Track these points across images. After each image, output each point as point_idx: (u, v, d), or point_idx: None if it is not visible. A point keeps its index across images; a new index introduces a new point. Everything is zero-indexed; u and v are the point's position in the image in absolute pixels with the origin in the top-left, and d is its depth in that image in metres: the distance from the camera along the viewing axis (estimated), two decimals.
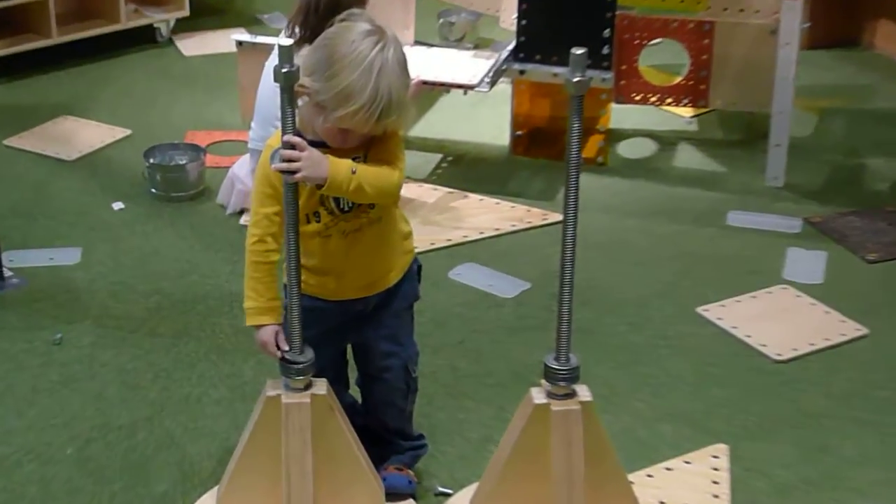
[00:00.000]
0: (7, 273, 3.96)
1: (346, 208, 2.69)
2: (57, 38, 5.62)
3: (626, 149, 4.98)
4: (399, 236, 2.83)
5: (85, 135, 5.05)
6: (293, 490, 2.68)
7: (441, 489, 3.05)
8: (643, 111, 5.13)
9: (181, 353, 3.61)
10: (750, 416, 3.35)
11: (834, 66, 5.77)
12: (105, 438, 3.24)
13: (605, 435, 2.68)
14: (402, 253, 2.85)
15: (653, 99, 4.97)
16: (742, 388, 3.47)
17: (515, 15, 4.68)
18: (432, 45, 5.12)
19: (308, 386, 2.69)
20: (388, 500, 2.88)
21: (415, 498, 2.99)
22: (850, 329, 3.72)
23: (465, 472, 3.10)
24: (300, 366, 2.67)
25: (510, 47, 4.74)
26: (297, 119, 2.54)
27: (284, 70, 2.47)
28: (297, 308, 2.64)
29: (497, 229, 4.32)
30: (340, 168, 2.56)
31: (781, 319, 3.78)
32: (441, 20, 5.74)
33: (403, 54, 2.60)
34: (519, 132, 4.90)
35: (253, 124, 4.14)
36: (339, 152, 2.61)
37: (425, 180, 4.64)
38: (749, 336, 3.69)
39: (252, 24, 6.24)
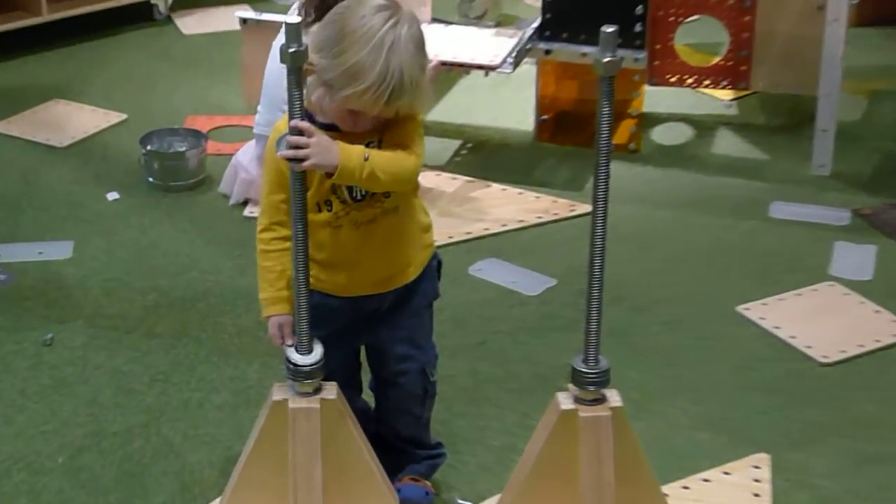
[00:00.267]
0: None
1: (359, 197, 2.69)
2: (47, 16, 5.64)
3: (660, 134, 4.97)
4: (418, 229, 2.82)
5: (77, 120, 5.06)
6: (301, 503, 2.69)
7: (460, 502, 3.05)
8: (679, 94, 5.12)
9: (180, 354, 3.62)
10: (794, 424, 3.34)
11: (884, 45, 5.75)
12: (99, 446, 3.25)
13: (637, 443, 2.68)
14: (422, 247, 2.84)
15: (689, 80, 4.96)
16: (785, 394, 3.46)
17: None
18: (451, 23, 5.11)
19: (317, 390, 2.69)
20: None
21: None
22: None
23: (486, 483, 3.10)
24: (308, 368, 2.67)
25: (535, 25, 4.74)
26: (306, 101, 2.54)
27: (292, 50, 2.47)
28: (304, 305, 2.63)
29: (521, 221, 4.32)
30: (352, 155, 2.55)
31: (828, 319, 3.77)
32: None
33: (420, 32, 2.59)
34: (544, 117, 4.90)
35: (259, 108, 4.15)
36: (352, 137, 2.60)
37: (443, 168, 4.65)
38: (793, 337, 3.68)
39: (257, 0, 6.25)
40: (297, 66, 2.49)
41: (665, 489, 2.90)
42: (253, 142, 4.29)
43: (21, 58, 5.61)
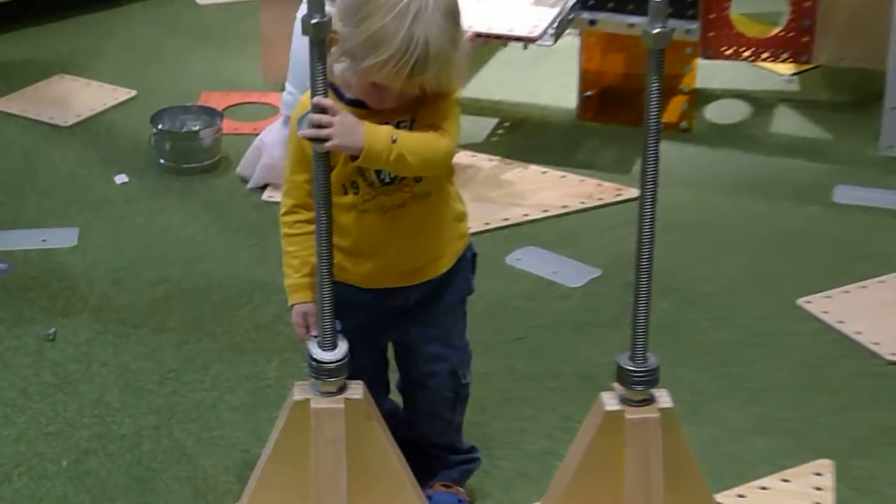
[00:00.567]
0: None
1: (388, 180, 2.68)
2: None
3: (714, 112, 4.97)
4: (452, 217, 2.82)
5: (83, 96, 5.08)
6: None
7: None
8: (734, 68, 5.11)
9: (193, 350, 3.63)
10: (859, 427, 3.34)
11: None
12: (105, 449, 3.27)
13: (688, 448, 2.68)
14: (455, 237, 2.83)
15: (746, 53, 4.94)
16: (850, 394, 3.46)
17: None
18: None
19: (342, 389, 2.69)
20: None
21: None
22: None
23: (525, 489, 3.10)
24: (332, 365, 2.66)
25: None
26: (329, 74, 2.53)
27: (314, 21, 2.46)
28: (328, 296, 2.62)
29: (563, 207, 4.32)
30: (378, 136, 2.54)
31: None
32: None
33: (453, 1, 2.58)
34: (588, 93, 4.90)
35: (287, 84, 4.15)
36: (381, 115, 2.60)
37: (479, 149, 4.65)
38: (859, 333, 3.67)
39: None
40: (319, 37, 2.48)
41: (718, 497, 2.90)
42: (279, 121, 4.28)
43: (22, 29, 5.64)
